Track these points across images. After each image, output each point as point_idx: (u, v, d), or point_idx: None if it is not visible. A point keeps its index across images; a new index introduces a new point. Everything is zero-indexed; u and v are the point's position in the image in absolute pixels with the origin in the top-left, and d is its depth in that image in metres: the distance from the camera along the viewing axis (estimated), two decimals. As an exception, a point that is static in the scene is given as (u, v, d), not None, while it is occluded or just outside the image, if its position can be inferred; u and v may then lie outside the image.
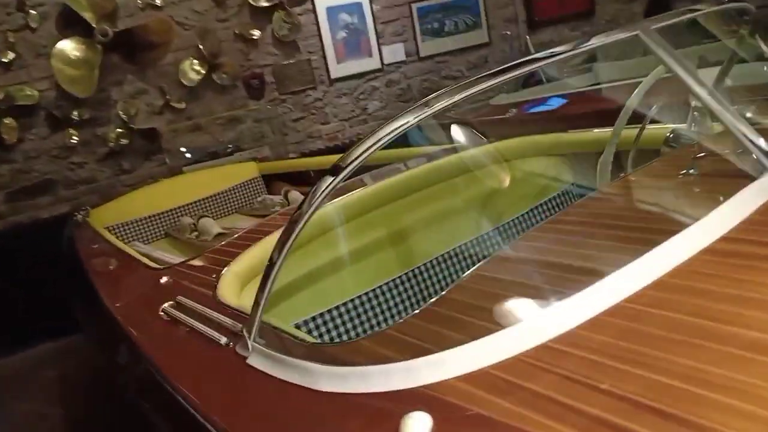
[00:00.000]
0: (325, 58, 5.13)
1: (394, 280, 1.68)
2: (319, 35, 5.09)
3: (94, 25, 4.31)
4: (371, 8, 5.20)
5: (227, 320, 1.21)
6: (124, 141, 4.57)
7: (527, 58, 1.04)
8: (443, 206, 1.85)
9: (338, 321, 1.55)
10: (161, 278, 1.67)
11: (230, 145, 4.79)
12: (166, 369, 1.14)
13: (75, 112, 4.42)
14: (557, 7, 5.84)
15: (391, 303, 1.66)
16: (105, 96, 4.52)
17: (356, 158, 0.98)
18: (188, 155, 4.63)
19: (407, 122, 0.98)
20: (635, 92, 1.72)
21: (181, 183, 3.75)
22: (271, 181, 3.88)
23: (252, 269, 1.51)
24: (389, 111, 5.44)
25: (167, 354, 1.21)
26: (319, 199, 0.98)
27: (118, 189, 4.62)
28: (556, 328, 0.80)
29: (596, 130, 2.01)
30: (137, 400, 1.36)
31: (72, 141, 4.44)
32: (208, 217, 3.02)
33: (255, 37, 4.91)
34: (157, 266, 1.77)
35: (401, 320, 1.06)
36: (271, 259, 1.01)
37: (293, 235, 1.00)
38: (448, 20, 5.48)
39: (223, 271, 1.46)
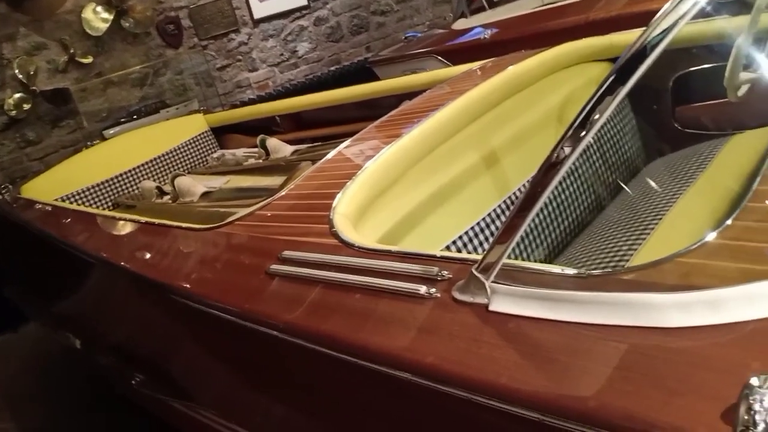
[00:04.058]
0: (245, -5, 4.62)
1: (494, 210, 1.45)
2: (236, -30, 4.57)
3: (-31, -33, 3.56)
4: (289, -63, 4.73)
5: (394, 265, 0.94)
6: (25, 106, 3.88)
7: None
8: (522, 122, 1.62)
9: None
10: (223, 239, 1.32)
11: (153, 102, 4.23)
12: (370, 346, 0.85)
13: (-41, 76, 3.68)
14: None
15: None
16: (-6, 54, 3.79)
17: None
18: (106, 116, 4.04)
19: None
20: None
21: (119, 146, 3.21)
22: (221, 135, 3.42)
23: (359, 202, 1.21)
24: (320, 53, 5.04)
25: (348, 325, 0.90)
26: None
27: (24, 165, 3.95)
28: None
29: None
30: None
31: (-40, 111, 3.71)
32: (183, 175, 2.58)
33: (165, -24, 4.31)
34: (202, 226, 1.41)
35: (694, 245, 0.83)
36: (554, 162, 0.73)
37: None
38: (371, -51, 5.12)
39: (331, 213, 1.15)
